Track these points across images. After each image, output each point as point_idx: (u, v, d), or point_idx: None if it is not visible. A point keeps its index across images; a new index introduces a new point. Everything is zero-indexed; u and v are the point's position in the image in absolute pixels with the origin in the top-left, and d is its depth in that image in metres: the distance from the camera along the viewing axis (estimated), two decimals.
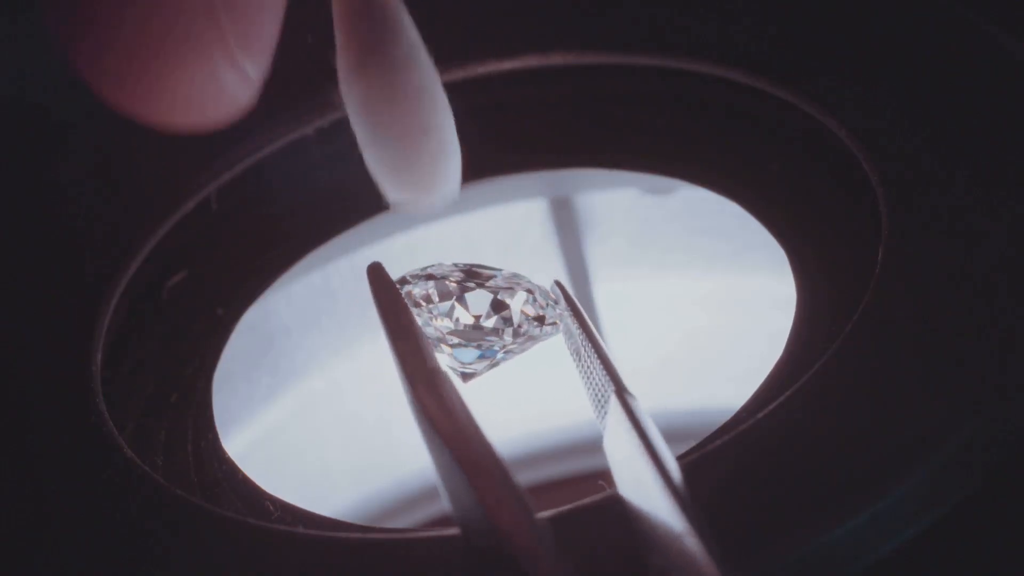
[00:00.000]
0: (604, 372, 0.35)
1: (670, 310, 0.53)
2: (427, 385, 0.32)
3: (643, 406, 0.33)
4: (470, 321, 0.39)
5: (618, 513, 0.32)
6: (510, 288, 0.40)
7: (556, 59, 0.47)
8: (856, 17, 0.45)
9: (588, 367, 0.37)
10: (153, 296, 0.45)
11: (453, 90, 0.48)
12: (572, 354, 0.39)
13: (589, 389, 0.37)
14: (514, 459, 0.55)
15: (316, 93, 0.48)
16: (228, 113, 0.33)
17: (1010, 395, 0.32)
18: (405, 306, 0.36)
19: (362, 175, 0.49)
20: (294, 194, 0.47)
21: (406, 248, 0.49)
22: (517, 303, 0.39)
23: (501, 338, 0.40)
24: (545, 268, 0.52)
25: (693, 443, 0.35)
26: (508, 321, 0.39)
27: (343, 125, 0.48)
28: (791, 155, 0.44)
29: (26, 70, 0.53)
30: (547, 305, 0.40)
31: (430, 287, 0.40)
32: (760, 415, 0.34)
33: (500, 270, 0.41)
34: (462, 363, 0.40)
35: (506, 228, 0.51)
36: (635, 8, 0.48)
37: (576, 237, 0.52)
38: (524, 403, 0.55)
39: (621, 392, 0.33)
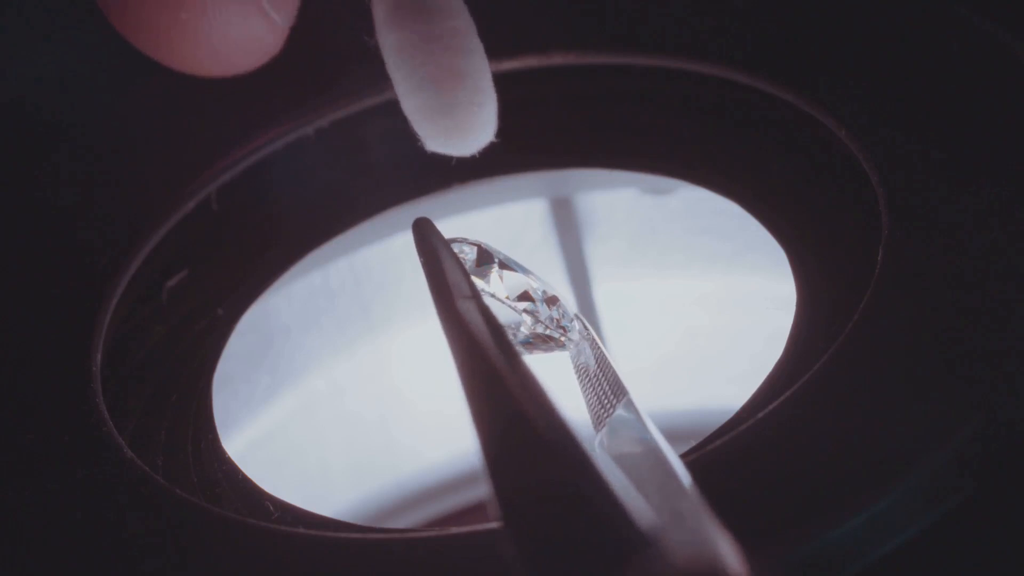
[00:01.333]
0: (611, 389, 0.34)
1: (670, 310, 0.53)
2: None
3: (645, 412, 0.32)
4: (500, 294, 0.39)
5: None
6: (546, 291, 0.40)
7: (556, 59, 0.47)
8: (856, 17, 0.45)
9: (595, 387, 0.36)
10: (153, 296, 0.45)
11: None
12: (576, 371, 0.38)
13: (591, 400, 0.36)
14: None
15: (316, 93, 0.48)
16: (255, 59, 0.33)
17: (1009, 395, 0.32)
18: (458, 259, 0.36)
19: (362, 175, 0.49)
20: (294, 194, 0.47)
21: (406, 248, 0.49)
22: (544, 307, 0.39)
23: (516, 329, 0.39)
24: (545, 268, 0.52)
25: (693, 443, 0.35)
26: (531, 315, 0.39)
27: (343, 125, 0.48)
28: (791, 155, 0.44)
29: (26, 70, 0.53)
30: (561, 326, 0.40)
31: (472, 252, 0.39)
32: (760, 415, 0.34)
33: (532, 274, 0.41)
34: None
35: (506, 228, 0.51)
36: (635, 8, 0.48)
37: (576, 237, 0.52)
38: None
39: (629, 400, 0.33)
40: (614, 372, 0.35)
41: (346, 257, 0.49)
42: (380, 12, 0.36)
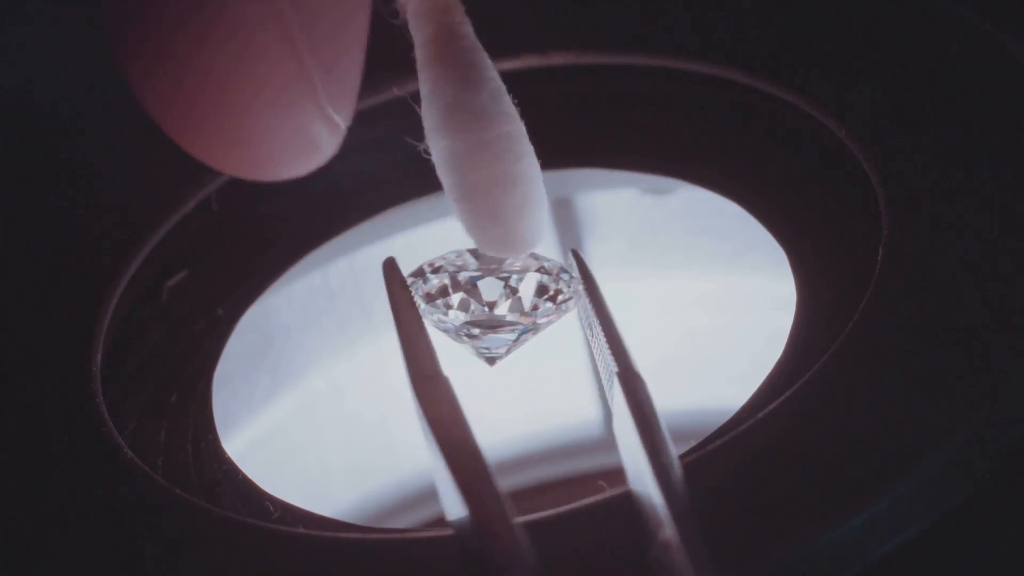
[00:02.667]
0: (610, 351, 0.34)
1: (670, 310, 0.53)
2: (427, 386, 0.32)
3: (649, 389, 0.32)
4: (484, 310, 0.39)
5: (616, 514, 0.32)
6: (521, 271, 0.39)
7: (556, 59, 0.47)
8: (856, 17, 0.45)
9: (599, 344, 0.36)
10: (153, 296, 0.45)
11: None
12: (584, 328, 0.38)
13: (600, 366, 0.36)
14: (514, 459, 0.55)
15: None
16: (314, 163, 0.33)
17: (1010, 396, 0.32)
18: (414, 304, 0.36)
19: (362, 175, 0.49)
20: (294, 194, 0.47)
21: (406, 248, 0.49)
22: (529, 286, 0.39)
23: (518, 322, 0.39)
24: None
25: (693, 443, 0.35)
26: (521, 305, 0.39)
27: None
28: (791, 155, 0.44)
29: (26, 70, 0.53)
30: (561, 280, 0.40)
31: (444, 279, 0.39)
32: (760, 415, 0.34)
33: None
34: (485, 348, 0.40)
35: None
36: (635, 8, 0.48)
37: (576, 237, 0.52)
38: (524, 402, 0.55)
39: (625, 372, 0.33)
40: (616, 331, 0.35)
41: (346, 257, 0.49)
42: (431, 119, 0.35)
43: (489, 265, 0.40)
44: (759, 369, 0.37)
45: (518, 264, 0.39)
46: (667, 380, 0.53)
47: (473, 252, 0.40)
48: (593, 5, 0.49)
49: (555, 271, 0.40)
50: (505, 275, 0.39)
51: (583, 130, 0.47)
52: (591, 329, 0.38)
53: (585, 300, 0.38)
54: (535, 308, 0.39)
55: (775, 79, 0.43)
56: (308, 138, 0.32)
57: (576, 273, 0.39)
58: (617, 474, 0.33)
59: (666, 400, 0.53)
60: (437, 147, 0.35)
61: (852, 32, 0.45)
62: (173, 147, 0.48)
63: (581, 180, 0.50)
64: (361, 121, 0.48)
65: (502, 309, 0.39)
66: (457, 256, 0.40)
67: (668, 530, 0.29)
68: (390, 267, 0.37)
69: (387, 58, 0.49)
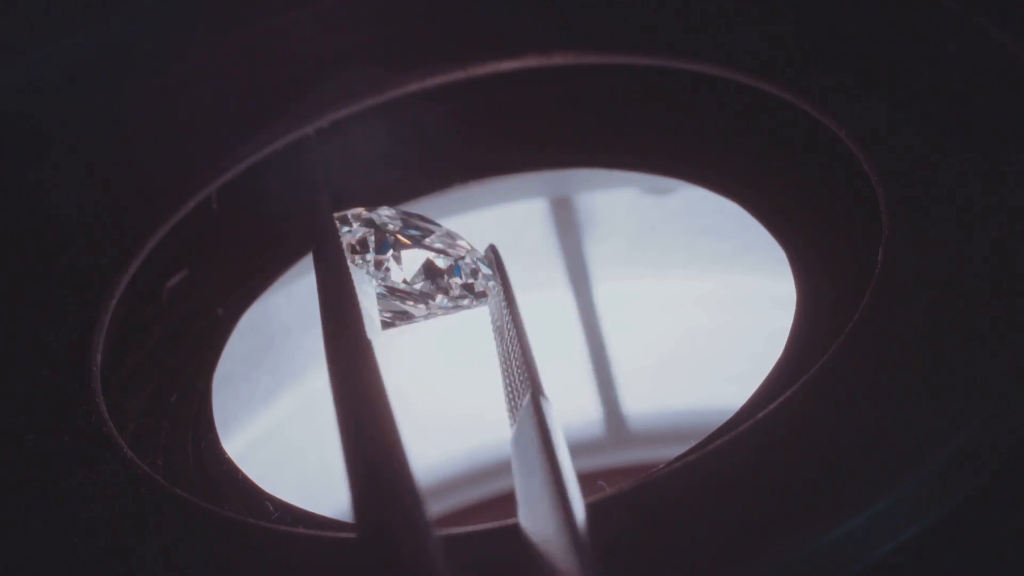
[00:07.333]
0: (523, 365, 0.33)
1: (670, 310, 0.53)
2: (346, 360, 0.29)
3: (555, 412, 0.31)
4: (399, 280, 0.39)
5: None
6: (445, 252, 0.39)
7: (556, 59, 0.47)
8: (856, 17, 0.45)
9: (507, 353, 0.35)
10: (153, 296, 0.45)
11: (454, 90, 0.48)
12: (494, 332, 0.38)
13: (506, 376, 0.35)
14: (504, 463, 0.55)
15: (316, 93, 0.48)
16: None
17: (1010, 396, 0.32)
18: (343, 259, 0.34)
19: (362, 175, 0.49)
20: (294, 194, 0.47)
21: None
22: (446, 268, 0.39)
23: (426, 303, 0.39)
24: (545, 268, 0.52)
25: (693, 443, 0.35)
26: (437, 288, 0.39)
27: (343, 125, 0.48)
28: (791, 155, 0.44)
29: (26, 70, 0.53)
30: (480, 273, 0.40)
31: (370, 234, 0.39)
32: (760, 415, 0.34)
33: (440, 227, 0.41)
34: (384, 310, 0.40)
35: (506, 228, 0.51)
36: (635, 8, 0.48)
37: (576, 237, 0.52)
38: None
39: (537, 395, 0.31)
40: (527, 344, 0.33)
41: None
42: None
43: (416, 232, 0.39)
44: (759, 369, 0.37)
45: (442, 242, 0.39)
46: (667, 380, 0.53)
47: (404, 217, 0.40)
48: (593, 5, 0.49)
49: (476, 259, 0.40)
50: (428, 249, 0.39)
51: (583, 130, 0.48)
52: (500, 336, 0.37)
53: (500, 302, 0.38)
54: (449, 291, 0.39)
55: (775, 79, 0.43)
56: None
57: (494, 272, 0.39)
58: (617, 474, 0.33)
59: (666, 400, 0.53)
60: None
61: (852, 32, 0.45)
62: (173, 147, 0.48)
63: (581, 180, 0.50)
64: (361, 120, 0.48)
65: (416, 285, 0.39)
66: (385, 213, 0.40)
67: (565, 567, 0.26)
68: (321, 208, 0.36)
69: (387, 58, 0.49)
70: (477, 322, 0.48)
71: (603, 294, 0.53)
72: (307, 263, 0.47)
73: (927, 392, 0.33)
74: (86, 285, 0.43)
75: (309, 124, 0.47)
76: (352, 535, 0.34)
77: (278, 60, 0.50)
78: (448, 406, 0.53)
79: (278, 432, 0.51)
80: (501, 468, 0.53)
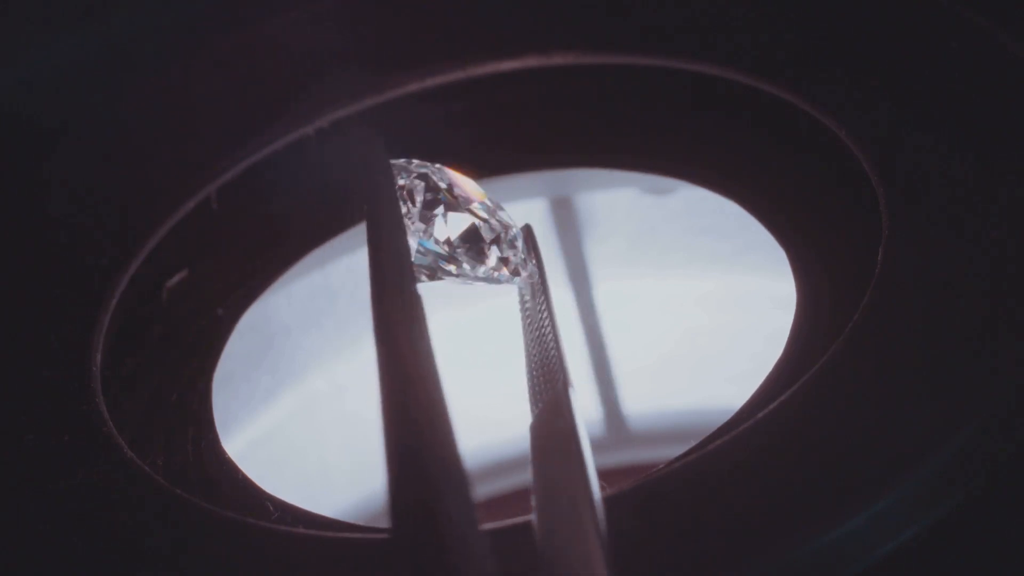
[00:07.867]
0: (556, 350, 0.32)
1: (670, 310, 0.53)
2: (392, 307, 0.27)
3: (579, 402, 0.31)
4: (443, 238, 0.39)
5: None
6: (488, 222, 0.39)
7: (556, 59, 0.47)
8: (856, 17, 0.45)
9: (536, 336, 0.35)
10: (153, 296, 0.45)
11: (453, 90, 0.48)
12: (522, 314, 0.38)
13: (531, 361, 0.35)
14: (512, 460, 0.55)
15: (315, 93, 0.48)
16: None
17: (1010, 396, 0.32)
18: (398, 211, 0.33)
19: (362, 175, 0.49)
20: (294, 194, 0.47)
21: None
22: (489, 239, 0.39)
23: (459, 265, 0.39)
24: (545, 268, 0.52)
25: (693, 443, 0.35)
26: (475, 254, 0.39)
27: (343, 125, 0.48)
28: (791, 155, 0.44)
29: (26, 70, 0.53)
30: (519, 252, 0.40)
31: (419, 187, 0.39)
32: (760, 415, 0.34)
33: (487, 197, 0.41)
34: (417, 253, 0.39)
35: None
36: (635, 8, 0.48)
37: (576, 237, 0.52)
38: (524, 401, 0.55)
39: (566, 383, 0.31)
40: (559, 335, 0.33)
41: (346, 257, 0.49)
42: None
43: (464, 195, 0.39)
44: (759, 369, 0.37)
45: (488, 212, 0.39)
46: (667, 380, 0.53)
47: (453, 180, 0.40)
48: (593, 5, 0.49)
49: (516, 237, 0.40)
50: (475, 215, 0.39)
51: (583, 130, 0.48)
52: (530, 320, 0.37)
53: (536, 286, 0.38)
54: (486, 262, 0.39)
55: (775, 79, 0.43)
56: None
57: (530, 255, 0.39)
58: (617, 474, 0.33)
59: (666, 400, 0.53)
60: None
61: (852, 32, 0.45)
62: (173, 147, 0.48)
63: (581, 180, 0.50)
64: (361, 121, 0.48)
65: (458, 251, 0.39)
66: (438, 171, 0.40)
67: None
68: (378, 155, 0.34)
69: (387, 58, 0.49)
70: (478, 322, 0.48)
71: (603, 294, 0.53)
72: (307, 263, 0.47)
73: (927, 392, 0.33)
74: (86, 285, 0.43)
75: (309, 124, 0.47)
76: (352, 535, 0.34)
77: (278, 60, 0.50)
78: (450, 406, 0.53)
79: (278, 432, 0.51)
80: (501, 468, 0.53)
